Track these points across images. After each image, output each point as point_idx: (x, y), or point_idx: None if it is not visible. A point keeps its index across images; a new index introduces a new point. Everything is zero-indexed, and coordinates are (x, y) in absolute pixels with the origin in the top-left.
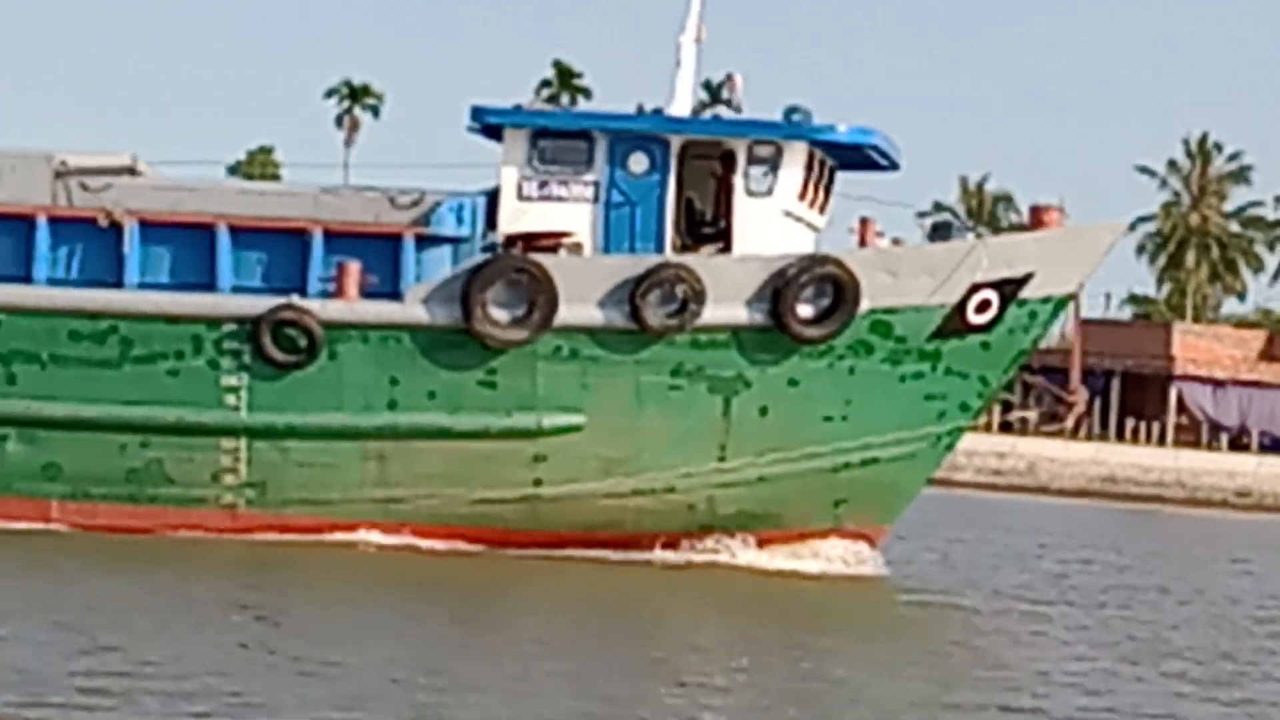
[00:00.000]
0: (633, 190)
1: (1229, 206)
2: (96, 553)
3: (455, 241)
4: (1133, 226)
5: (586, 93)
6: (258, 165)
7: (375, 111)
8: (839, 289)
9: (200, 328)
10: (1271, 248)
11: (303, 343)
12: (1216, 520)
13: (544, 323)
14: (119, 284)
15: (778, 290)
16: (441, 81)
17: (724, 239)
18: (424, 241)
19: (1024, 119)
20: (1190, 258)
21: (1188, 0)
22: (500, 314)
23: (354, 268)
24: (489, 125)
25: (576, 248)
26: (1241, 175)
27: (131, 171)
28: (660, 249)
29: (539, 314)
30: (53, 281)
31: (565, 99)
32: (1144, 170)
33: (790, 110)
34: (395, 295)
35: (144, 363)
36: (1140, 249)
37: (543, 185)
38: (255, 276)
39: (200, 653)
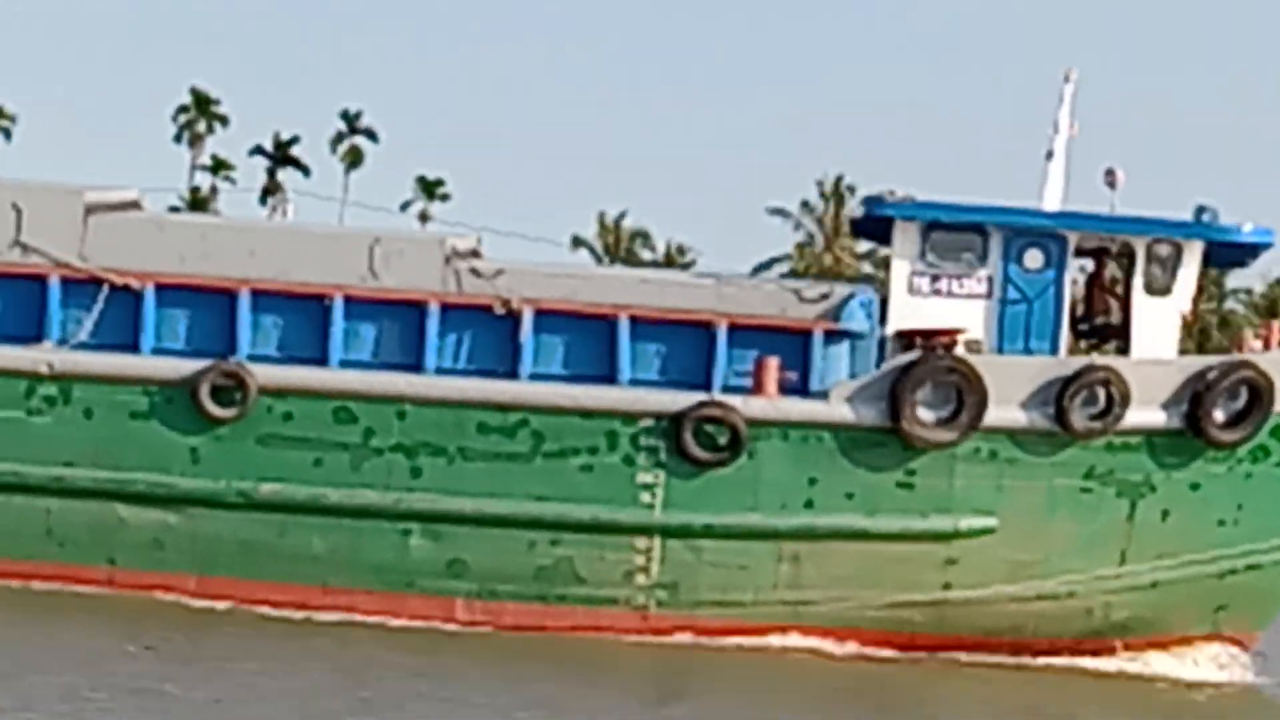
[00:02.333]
0: (1028, 287)
1: (862, 248)
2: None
3: (853, 337)
4: (767, 266)
5: (224, 119)
6: None
7: (7, 134)
8: (1255, 393)
9: (616, 423)
10: None
11: (723, 440)
12: None
13: (973, 424)
14: (513, 374)
15: (1197, 394)
16: (76, 105)
17: (1095, 335)
18: (829, 337)
19: (659, 156)
20: None
21: (821, 44)
22: (927, 414)
23: (773, 363)
24: (873, 218)
25: (975, 345)
26: None
27: (475, 254)
28: (1055, 349)
29: (968, 415)
30: (442, 371)
31: (203, 125)
32: (777, 212)
33: (1200, 209)
34: (803, 392)
35: (556, 458)
36: None
37: (934, 280)
38: (654, 369)
39: None
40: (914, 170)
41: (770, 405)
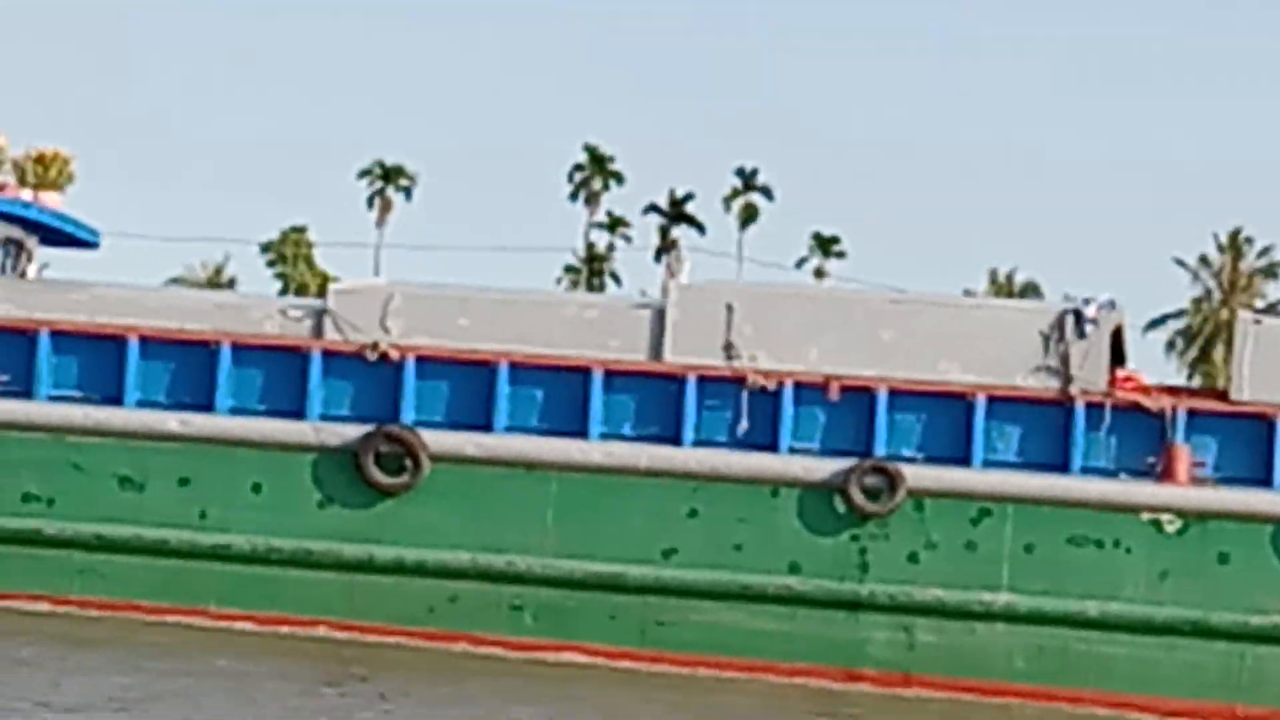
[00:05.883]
0: None
1: (1260, 303)
2: None
3: None
4: (1161, 322)
5: (619, 177)
6: (290, 245)
7: (408, 193)
8: None
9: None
10: None
11: None
12: None
13: None
14: None
15: None
16: (474, 164)
17: None
18: None
19: (1050, 209)
20: (1219, 353)
21: (1220, 94)
22: None
23: None
24: None
25: None
26: (1271, 271)
27: None
28: None
29: None
30: None
31: (599, 183)
32: (1179, 263)
33: None
34: None
35: None
36: (1170, 345)
37: None
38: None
39: None
40: None
41: None
